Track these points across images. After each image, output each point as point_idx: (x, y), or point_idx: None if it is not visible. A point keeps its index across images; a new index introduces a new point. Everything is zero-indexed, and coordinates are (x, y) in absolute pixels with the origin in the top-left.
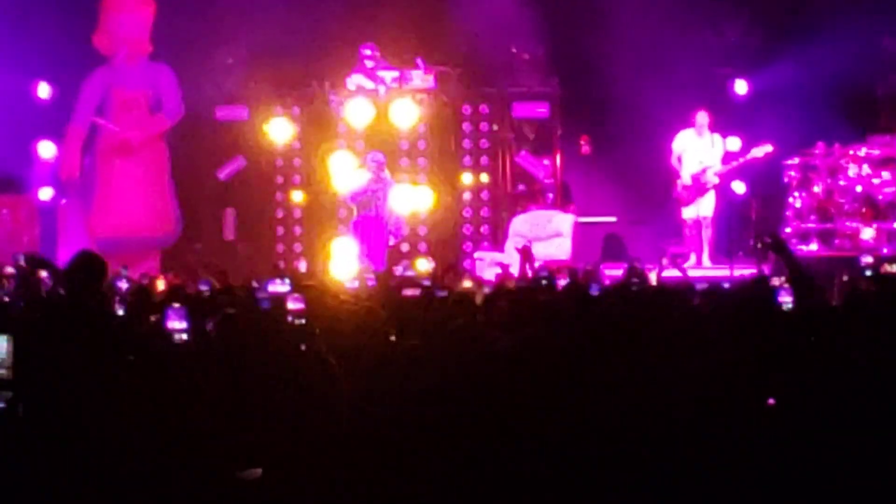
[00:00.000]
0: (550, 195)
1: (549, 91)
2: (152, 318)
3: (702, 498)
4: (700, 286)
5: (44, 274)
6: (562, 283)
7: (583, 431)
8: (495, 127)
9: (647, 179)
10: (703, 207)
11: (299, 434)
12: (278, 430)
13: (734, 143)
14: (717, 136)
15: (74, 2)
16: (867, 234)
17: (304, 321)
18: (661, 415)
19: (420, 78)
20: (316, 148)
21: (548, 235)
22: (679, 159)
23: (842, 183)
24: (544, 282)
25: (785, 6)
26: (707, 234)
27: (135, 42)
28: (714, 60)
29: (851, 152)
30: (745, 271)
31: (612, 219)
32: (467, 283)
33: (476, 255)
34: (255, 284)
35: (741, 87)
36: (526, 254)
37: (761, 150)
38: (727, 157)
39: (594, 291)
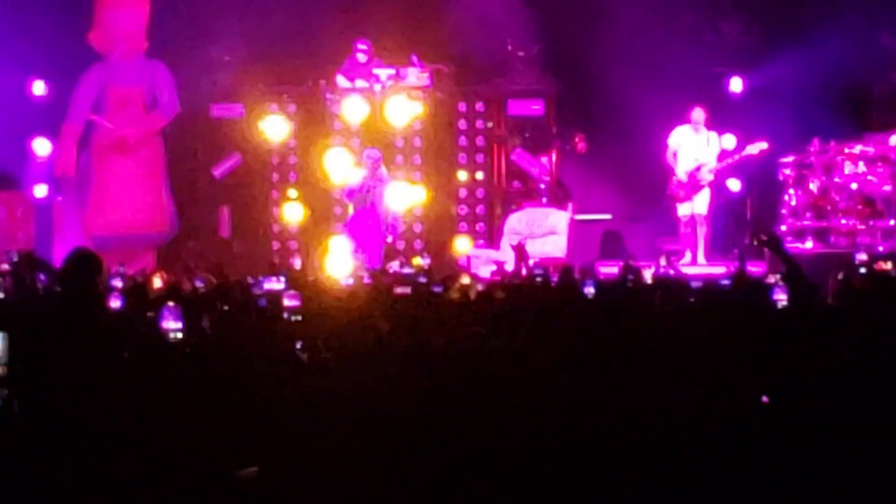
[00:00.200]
0: (545, 192)
1: (544, 88)
2: (149, 315)
3: (696, 495)
4: (695, 284)
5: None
6: (559, 280)
7: (576, 429)
8: (490, 124)
9: (642, 177)
10: (699, 205)
11: (295, 431)
12: (274, 428)
13: (729, 141)
14: (713, 134)
15: None
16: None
17: (300, 318)
18: (653, 412)
19: (415, 75)
20: (312, 145)
21: (543, 233)
22: (674, 156)
23: (837, 180)
24: (539, 279)
25: (781, 4)
26: (702, 231)
27: (131, 39)
28: (710, 58)
29: (847, 150)
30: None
31: (608, 216)
32: (465, 280)
33: (471, 252)
34: (250, 281)
35: (737, 84)
36: (520, 251)
37: (756, 147)
38: (723, 154)
39: (588, 289)
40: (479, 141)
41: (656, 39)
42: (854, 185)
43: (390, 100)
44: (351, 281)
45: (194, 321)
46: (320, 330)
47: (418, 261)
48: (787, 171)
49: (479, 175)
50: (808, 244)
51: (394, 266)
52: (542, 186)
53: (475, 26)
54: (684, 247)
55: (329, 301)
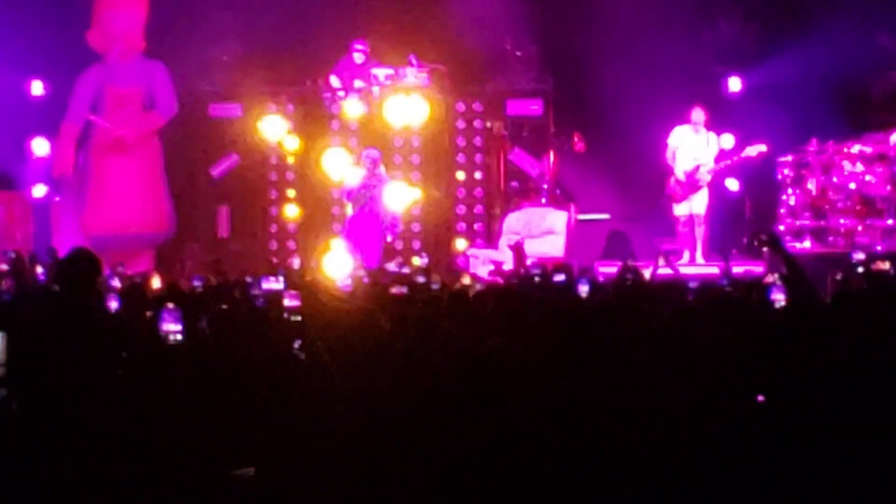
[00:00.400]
0: (546, 193)
1: (542, 88)
2: (148, 314)
3: (692, 494)
4: (693, 284)
5: (39, 270)
6: (557, 279)
7: (572, 429)
8: (489, 124)
9: (640, 176)
10: (696, 205)
11: (293, 432)
12: (272, 428)
13: (728, 141)
14: (711, 134)
15: None
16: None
17: (299, 318)
18: (649, 412)
19: (413, 75)
20: (310, 145)
21: (541, 233)
22: (674, 155)
23: (835, 180)
24: (536, 279)
25: (779, 3)
26: (700, 231)
27: (129, 39)
28: (708, 57)
29: (845, 149)
30: (738, 269)
31: (606, 216)
32: (466, 280)
33: (469, 252)
34: (248, 280)
35: (735, 83)
36: (518, 251)
37: (755, 150)
38: (721, 155)
39: (583, 289)
40: (478, 141)
41: (654, 39)
42: (852, 185)
43: (388, 100)
44: (349, 281)
45: (193, 321)
46: (319, 330)
47: (416, 261)
48: (786, 171)
49: (478, 174)
50: (807, 244)
51: (392, 266)
52: (545, 187)
53: (473, 26)
54: (682, 247)
55: (327, 301)
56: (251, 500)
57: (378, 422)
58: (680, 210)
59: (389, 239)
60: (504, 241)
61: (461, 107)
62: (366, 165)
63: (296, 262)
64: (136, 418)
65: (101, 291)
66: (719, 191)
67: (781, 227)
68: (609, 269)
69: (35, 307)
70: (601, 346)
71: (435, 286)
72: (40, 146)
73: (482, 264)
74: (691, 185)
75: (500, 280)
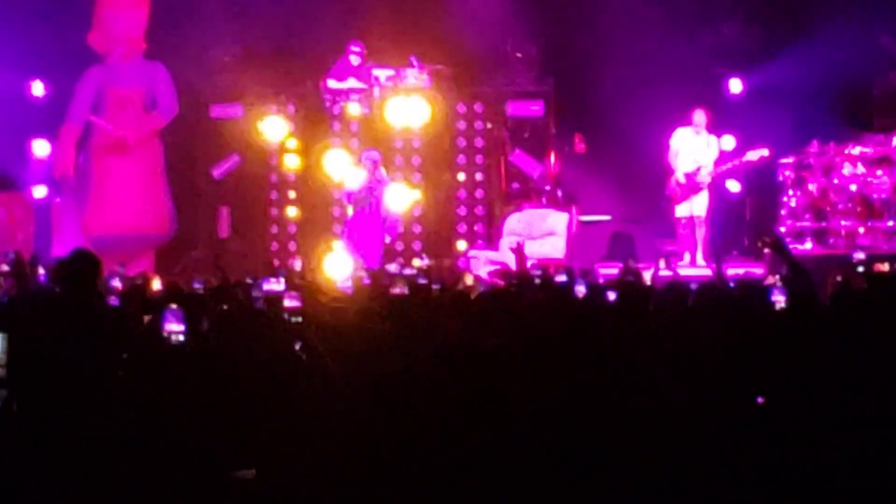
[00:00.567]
0: (548, 194)
1: (543, 89)
2: (146, 318)
3: (692, 495)
4: (693, 285)
5: (41, 271)
6: (559, 279)
7: (573, 429)
8: (490, 125)
9: (641, 178)
10: (697, 206)
11: (294, 433)
12: (273, 429)
13: (729, 143)
14: (712, 136)
15: (69, 0)
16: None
17: (300, 319)
18: (649, 412)
19: (415, 76)
20: (311, 146)
21: (542, 234)
22: (675, 156)
23: (836, 182)
24: (537, 280)
25: (781, 4)
26: (701, 232)
27: (130, 40)
28: (709, 59)
29: (846, 151)
30: (739, 270)
31: (607, 217)
32: (468, 281)
33: (470, 253)
34: (249, 281)
35: (736, 85)
36: (519, 253)
37: (757, 154)
38: (722, 157)
39: (579, 289)
40: (479, 142)
41: (655, 40)
42: (853, 187)
43: (389, 101)
44: (349, 283)
45: (195, 323)
46: (320, 331)
47: (417, 262)
48: (787, 173)
49: (479, 176)
50: (808, 246)
51: (393, 267)
52: (546, 188)
53: (474, 28)
54: (683, 248)
55: (328, 302)
56: (252, 501)
57: (378, 423)
58: (680, 211)
59: (388, 240)
60: (505, 243)
61: (462, 108)
62: (366, 167)
63: (297, 264)
64: (136, 419)
65: (102, 292)
66: (720, 192)
67: (782, 229)
68: (610, 271)
69: (36, 308)
70: (601, 347)
71: (435, 287)
72: (41, 147)
73: (483, 265)
74: (692, 186)
75: (500, 281)
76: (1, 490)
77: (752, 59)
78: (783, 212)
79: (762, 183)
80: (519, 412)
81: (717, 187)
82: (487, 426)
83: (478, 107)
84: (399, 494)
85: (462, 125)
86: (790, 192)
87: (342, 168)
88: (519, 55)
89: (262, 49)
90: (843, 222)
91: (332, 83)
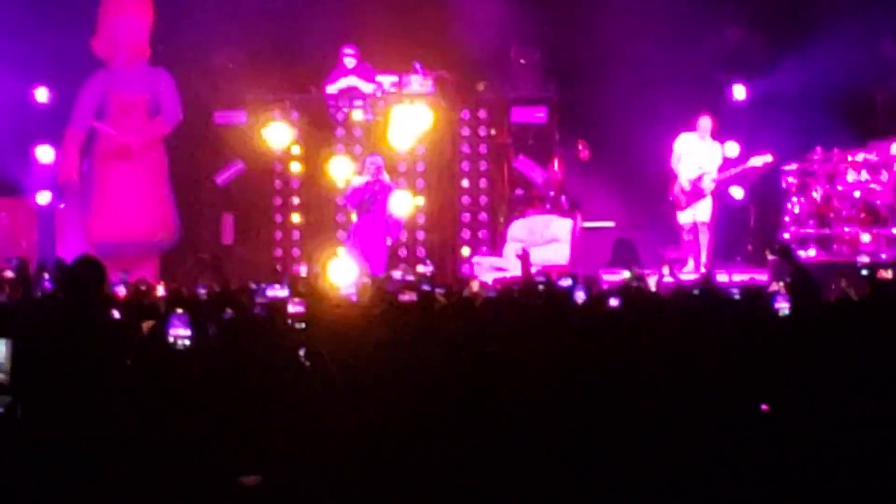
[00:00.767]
0: (552, 200)
1: (547, 96)
2: (145, 324)
3: (696, 500)
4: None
5: (45, 276)
6: (563, 284)
7: (577, 434)
8: (493, 132)
9: (645, 184)
10: (701, 212)
11: (299, 438)
12: (278, 435)
13: (732, 149)
14: (716, 143)
15: (73, 6)
16: (865, 238)
17: (303, 325)
18: (652, 419)
19: (418, 82)
20: (315, 152)
21: (545, 240)
22: (679, 161)
23: (840, 188)
24: (541, 287)
25: (784, 11)
26: (704, 239)
27: (133, 46)
28: (713, 65)
29: (850, 157)
30: (744, 276)
31: (611, 223)
32: (474, 287)
33: (474, 259)
34: (253, 287)
35: (739, 91)
36: (525, 260)
37: (760, 160)
38: (726, 163)
39: (579, 295)
40: (482, 148)
41: (659, 47)
42: (857, 193)
43: (393, 107)
44: (353, 289)
45: (198, 328)
46: (323, 337)
47: (420, 268)
48: (790, 179)
49: (482, 182)
50: (811, 252)
51: (397, 273)
52: (550, 194)
53: (478, 34)
54: (686, 254)
55: (331, 308)
56: None
57: (382, 429)
58: (684, 218)
59: (389, 242)
60: (508, 249)
61: (466, 114)
62: (369, 172)
63: (302, 270)
64: (140, 425)
65: (106, 298)
66: (724, 198)
67: (786, 236)
68: (615, 277)
69: (40, 314)
70: (603, 354)
71: (439, 291)
72: (45, 153)
73: (486, 272)
74: (695, 192)
75: (502, 287)
76: (6, 494)
77: (755, 65)
78: (787, 218)
79: (766, 189)
80: (523, 418)
81: (720, 194)
82: (491, 432)
83: (482, 113)
84: (403, 499)
85: (466, 131)
86: (794, 198)
87: (346, 174)
88: (523, 61)
89: (266, 56)
90: (846, 229)
91: (332, 88)
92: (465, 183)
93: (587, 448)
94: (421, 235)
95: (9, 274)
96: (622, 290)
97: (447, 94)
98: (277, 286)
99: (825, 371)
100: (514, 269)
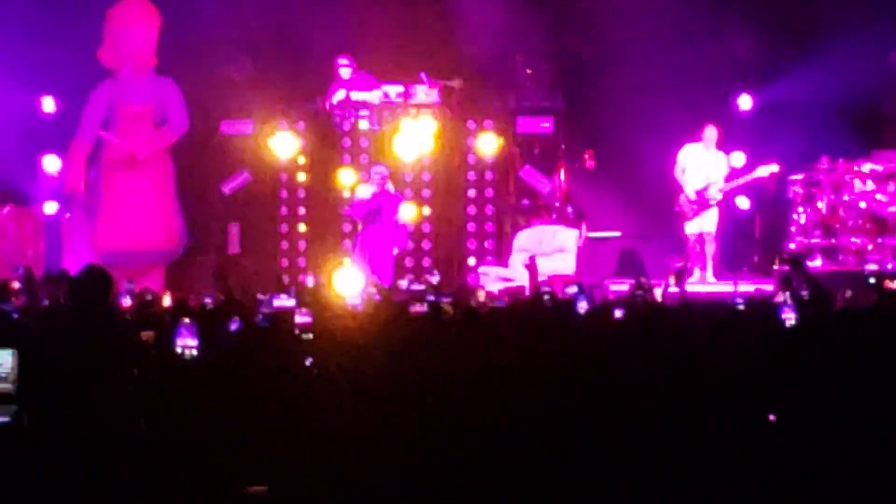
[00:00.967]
0: (558, 211)
1: (553, 106)
2: (145, 334)
3: None
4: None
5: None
6: (569, 291)
7: (584, 445)
8: (500, 141)
9: (651, 194)
10: (707, 223)
11: (306, 447)
12: (286, 444)
13: (739, 159)
14: (721, 153)
15: (80, 16)
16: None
17: (310, 336)
18: (659, 430)
19: (424, 92)
20: (321, 162)
21: (552, 250)
22: (683, 172)
23: (846, 198)
24: (546, 297)
25: (791, 21)
26: (710, 249)
27: (140, 56)
28: (719, 75)
29: (856, 168)
30: (750, 287)
31: (617, 234)
32: (481, 297)
33: (480, 269)
34: (260, 297)
35: (745, 102)
36: (533, 270)
37: (767, 170)
38: (732, 173)
39: (581, 305)
40: (488, 158)
41: (665, 57)
42: (863, 204)
43: (400, 119)
44: (358, 300)
45: (207, 338)
46: (330, 347)
47: (433, 279)
48: (796, 189)
49: (488, 192)
50: (817, 262)
51: (404, 283)
52: (556, 204)
53: (484, 44)
54: (692, 265)
55: (335, 319)
56: None
57: (391, 439)
58: (690, 228)
59: (395, 252)
60: (514, 259)
61: (472, 124)
62: (375, 182)
63: (310, 280)
64: (147, 435)
65: (113, 308)
66: (730, 209)
67: (792, 246)
68: (621, 287)
69: (46, 323)
70: (607, 365)
71: (446, 300)
72: (51, 163)
73: (492, 282)
74: (701, 203)
75: (509, 297)
76: (13, 503)
77: (761, 75)
78: (793, 228)
79: (772, 199)
80: (532, 428)
81: (726, 204)
82: (499, 442)
83: (488, 123)
84: None
85: (472, 141)
86: (800, 208)
87: (352, 184)
88: (529, 71)
89: (272, 65)
90: (852, 239)
91: (333, 100)
92: (472, 193)
93: (594, 458)
94: (427, 245)
95: (16, 284)
96: (627, 300)
97: (453, 104)
98: (284, 296)
99: (833, 381)
100: (521, 279)
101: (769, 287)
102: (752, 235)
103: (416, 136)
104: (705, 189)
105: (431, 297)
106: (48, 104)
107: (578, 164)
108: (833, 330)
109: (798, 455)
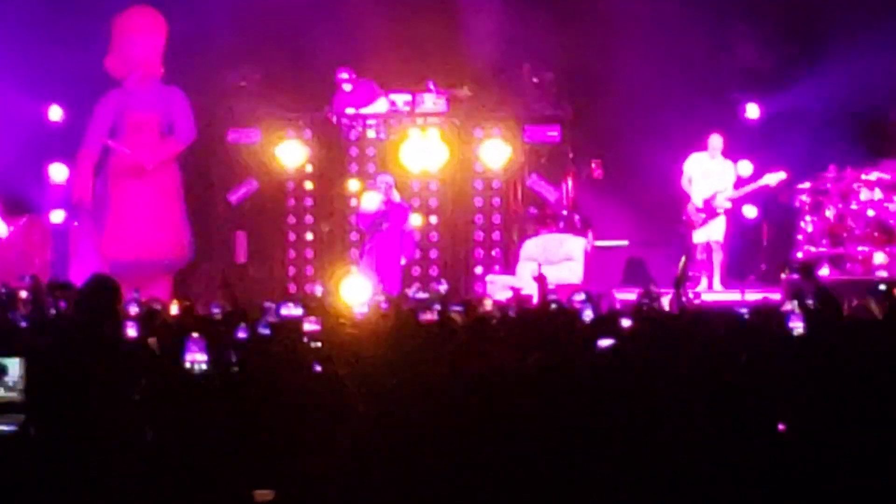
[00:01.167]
0: (565, 219)
1: (560, 114)
2: (151, 340)
3: None
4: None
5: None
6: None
7: (591, 455)
8: (508, 150)
9: (658, 203)
10: (714, 232)
11: (314, 456)
12: (294, 451)
13: (746, 168)
14: (728, 161)
15: (87, 25)
16: (879, 258)
17: (319, 345)
18: (666, 440)
19: (432, 101)
20: (328, 171)
21: (559, 259)
22: (689, 181)
23: (853, 207)
24: (553, 305)
25: (797, 30)
26: (718, 258)
27: (147, 65)
28: (726, 84)
29: (863, 176)
30: (757, 295)
31: (624, 242)
32: (488, 306)
33: (487, 278)
34: (267, 305)
35: (753, 110)
36: (542, 281)
37: (775, 178)
38: (739, 182)
39: (586, 314)
40: (495, 166)
41: (672, 65)
42: (870, 212)
43: (408, 129)
44: (365, 309)
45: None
46: (341, 356)
47: (442, 288)
48: (804, 198)
49: (496, 201)
50: (825, 271)
51: (412, 292)
52: (563, 213)
53: (492, 53)
54: (700, 273)
55: (346, 327)
56: None
57: (398, 447)
58: (697, 237)
59: (403, 262)
60: (522, 268)
61: (479, 133)
62: (381, 190)
63: (318, 289)
64: (154, 443)
65: (121, 317)
66: (737, 217)
67: (799, 255)
68: (629, 296)
69: (53, 332)
70: (618, 374)
71: (457, 309)
72: (58, 172)
73: (500, 290)
74: (709, 212)
75: (517, 305)
76: None
77: (769, 84)
78: (800, 237)
79: (779, 208)
80: (537, 436)
81: (733, 212)
82: (507, 450)
83: (495, 131)
84: None
85: (479, 150)
86: (807, 217)
87: (358, 192)
88: (536, 80)
89: (280, 74)
90: (860, 248)
91: (336, 113)
92: (479, 201)
93: (603, 467)
94: (434, 254)
95: (23, 294)
96: (635, 310)
97: (461, 112)
98: (291, 304)
99: (843, 391)
100: (528, 288)
101: (777, 296)
102: (760, 244)
103: (423, 145)
104: (712, 198)
105: (438, 306)
106: (55, 113)
107: (585, 172)
108: (843, 339)
109: (808, 466)
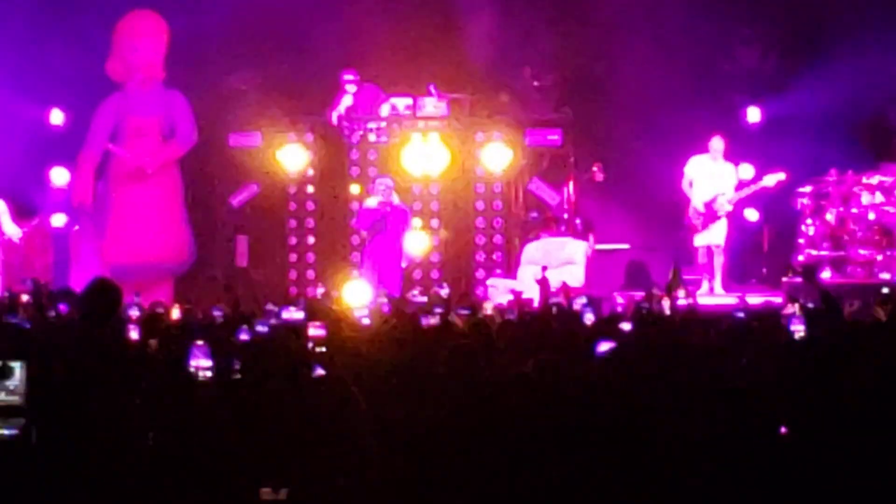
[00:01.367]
0: (566, 223)
1: (561, 118)
2: (152, 343)
3: None
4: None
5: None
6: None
7: (592, 457)
8: (510, 154)
9: (659, 206)
10: (715, 235)
11: (319, 457)
12: (300, 453)
13: (747, 171)
14: (729, 164)
15: (88, 28)
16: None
17: (323, 349)
18: (671, 442)
19: (433, 105)
20: (329, 175)
21: (560, 263)
22: (690, 184)
23: (854, 210)
24: (554, 309)
25: (798, 34)
26: (719, 261)
27: (148, 69)
28: (728, 87)
29: (864, 179)
30: (758, 299)
31: (626, 246)
32: (488, 309)
33: (489, 282)
34: (269, 309)
35: (754, 114)
36: (544, 284)
37: (774, 179)
38: (740, 184)
39: (587, 317)
40: (497, 170)
41: (673, 69)
42: (871, 215)
43: (410, 133)
44: (365, 312)
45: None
46: (344, 360)
47: (443, 292)
48: (805, 201)
49: (497, 205)
50: (826, 274)
51: (414, 295)
52: (565, 217)
53: (493, 57)
54: (701, 277)
55: (349, 331)
56: None
57: (405, 448)
58: (699, 240)
59: (405, 265)
60: (523, 272)
61: (480, 136)
62: (380, 193)
63: (319, 292)
64: (157, 448)
65: (122, 321)
66: (738, 221)
67: (800, 258)
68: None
69: (55, 336)
70: (621, 378)
71: (463, 312)
72: (59, 175)
73: (501, 294)
74: (710, 215)
75: (519, 308)
76: None
77: (769, 87)
78: (801, 240)
79: (780, 211)
80: (536, 439)
81: (735, 216)
82: (510, 452)
83: (496, 135)
84: None
85: (480, 153)
86: (808, 220)
87: (359, 195)
88: (537, 84)
89: (281, 78)
90: (861, 251)
91: (341, 110)
92: (480, 205)
93: (604, 470)
94: (436, 258)
95: (25, 297)
96: (635, 313)
97: (462, 116)
98: (293, 308)
99: (844, 393)
100: (530, 292)
101: (778, 299)
102: (761, 247)
103: (424, 149)
104: (713, 200)
105: (439, 310)
106: (56, 117)
107: (587, 176)
108: (844, 342)
109: (810, 468)
